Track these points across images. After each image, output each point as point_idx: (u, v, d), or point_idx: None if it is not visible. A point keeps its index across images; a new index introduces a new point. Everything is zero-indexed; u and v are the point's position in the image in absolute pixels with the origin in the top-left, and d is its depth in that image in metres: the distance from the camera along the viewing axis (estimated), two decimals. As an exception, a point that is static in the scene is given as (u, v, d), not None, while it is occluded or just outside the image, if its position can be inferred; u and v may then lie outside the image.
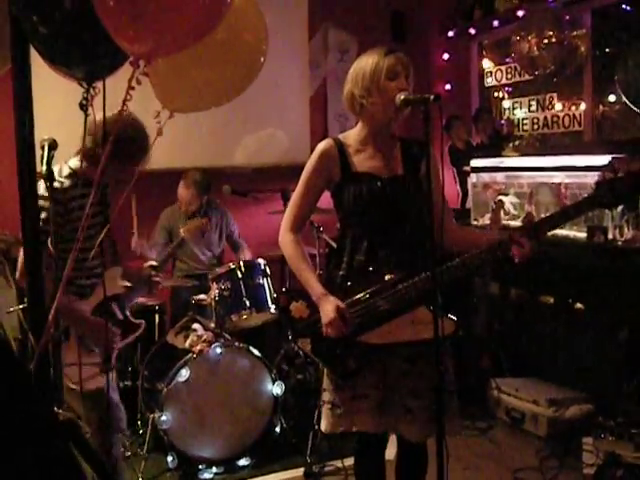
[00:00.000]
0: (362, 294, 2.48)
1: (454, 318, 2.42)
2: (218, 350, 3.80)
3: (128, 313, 3.08)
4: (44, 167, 2.15)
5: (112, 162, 2.57)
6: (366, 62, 2.47)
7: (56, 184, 2.65)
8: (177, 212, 4.78)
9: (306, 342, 2.60)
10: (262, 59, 2.39)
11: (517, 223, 4.87)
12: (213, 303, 4.08)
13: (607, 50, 4.69)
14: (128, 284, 3.13)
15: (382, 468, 2.75)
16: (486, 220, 4.97)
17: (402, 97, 2.36)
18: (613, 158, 4.17)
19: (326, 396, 2.62)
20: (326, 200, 5.20)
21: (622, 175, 2.33)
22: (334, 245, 4.63)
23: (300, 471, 3.79)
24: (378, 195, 2.49)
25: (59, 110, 3.93)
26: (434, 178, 2.36)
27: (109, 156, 2.46)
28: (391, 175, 2.52)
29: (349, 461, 3.85)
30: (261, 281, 4.21)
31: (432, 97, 2.17)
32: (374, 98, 2.45)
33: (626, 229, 4.08)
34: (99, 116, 2.13)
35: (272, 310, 4.22)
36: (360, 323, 2.46)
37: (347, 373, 2.53)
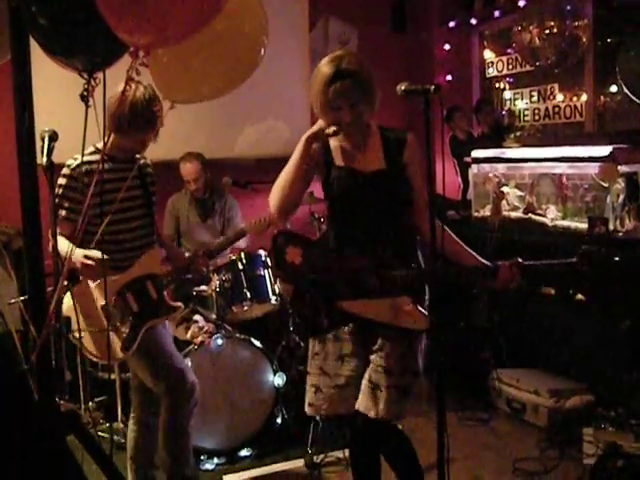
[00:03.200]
0: (357, 264, 2.51)
1: (426, 314, 2.48)
2: (219, 341, 3.81)
3: (165, 294, 3.13)
4: (44, 158, 2.15)
5: (130, 132, 2.81)
6: (314, 81, 2.52)
7: (78, 162, 2.84)
8: (183, 197, 4.77)
9: (287, 288, 2.67)
10: (262, 50, 2.38)
11: (518, 214, 4.87)
12: (214, 294, 4.09)
13: (608, 41, 4.67)
14: (168, 267, 3.26)
15: (376, 459, 2.77)
16: (487, 211, 4.97)
17: (402, 87, 2.36)
18: (614, 149, 4.17)
19: (310, 379, 2.72)
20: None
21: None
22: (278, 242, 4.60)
23: (301, 462, 3.80)
24: (359, 191, 2.54)
25: (59, 101, 3.94)
26: (414, 172, 2.53)
27: (128, 126, 2.57)
28: (373, 170, 2.54)
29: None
30: (262, 272, 4.22)
31: (432, 88, 2.17)
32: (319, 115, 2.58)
33: (627, 220, 4.08)
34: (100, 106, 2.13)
35: (273, 301, 4.23)
36: (344, 288, 2.51)
37: (317, 330, 2.61)
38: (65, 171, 2.88)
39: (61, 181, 2.87)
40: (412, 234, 2.58)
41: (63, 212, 2.87)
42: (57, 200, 2.82)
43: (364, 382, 2.56)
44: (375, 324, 2.52)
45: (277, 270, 2.72)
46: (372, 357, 2.56)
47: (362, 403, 2.55)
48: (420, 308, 2.47)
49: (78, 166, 2.86)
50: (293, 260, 2.62)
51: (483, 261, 2.52)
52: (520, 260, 2.47)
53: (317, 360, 2.68)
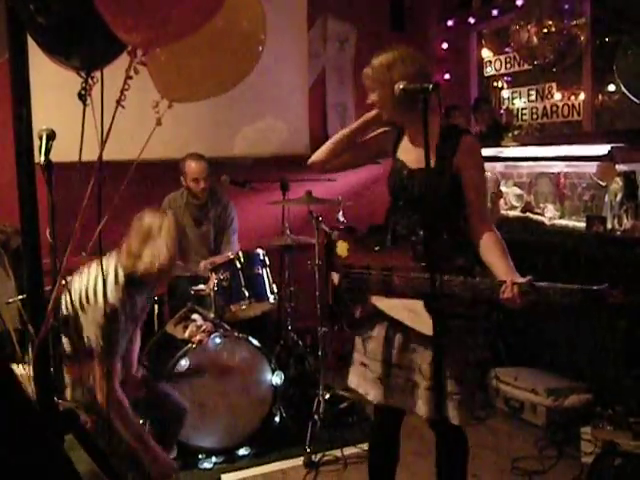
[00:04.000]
0: (390, 262, 2.60)
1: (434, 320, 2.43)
2: (217, 340, 3.81)
3: None
4: (42, 157, 2.15)
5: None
6: None
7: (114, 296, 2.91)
8: (179, 199, 4.71)
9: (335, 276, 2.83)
10: (260, 48, 2.38)
11: (516, 213, 4.88)
12: (212, 293, 4.08)
13: (606, 40, 4.67)
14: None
15: (394, 446, 2.91)
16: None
17: (401, 86, 2.36)
18: (612, 148, 4.17)
19: (355, 356, 2.80)
20: (324, 190, 5.20)
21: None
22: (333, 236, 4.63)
23: (300, 460, 3.81)
24: (404, 184, 2.61)
25: (57, 100, 3.93)
26: (467, 174, 2.51)
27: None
28: (419, 167, 2.56)
29: (348, 450, 3.88)
30: (260, 271, 4.22)
31: (431, 86, 2.17)
32: None
33: (625, 219, 4.08)
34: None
35: (271, 300, 4.23)
36: (375, 284, 2.62)
37: (351, 321, 2.76)
38: None
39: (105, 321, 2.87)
40: (456, 235, 2.55)
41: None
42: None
43: (402, 380, 2.62)
44: (401, 324, 2.55)
45: (327, 262, 2.86)
46: (405, 355, 2.59)
47: (405, 401, 2.64)
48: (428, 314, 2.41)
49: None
50: (341, 254, 2.79)
51: (514, 275, 2.36)
52: (531, 281, 2.28)
53: (358, 355, 2.77)
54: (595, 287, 2.16)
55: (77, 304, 2.91)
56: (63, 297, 2.94)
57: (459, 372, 2.51)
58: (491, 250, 2.47)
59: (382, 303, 2.61)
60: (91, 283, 2.93)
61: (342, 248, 2.81)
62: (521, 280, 2.28)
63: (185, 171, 4.57)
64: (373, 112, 2.72)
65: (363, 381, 2.73)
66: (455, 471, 2.70)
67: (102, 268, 2.71)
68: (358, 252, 2.74)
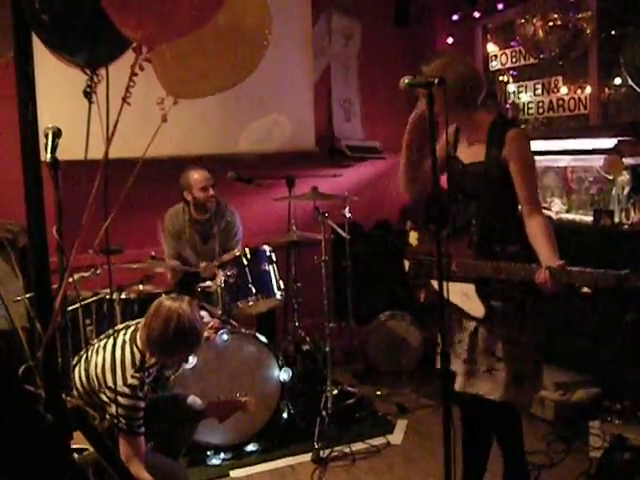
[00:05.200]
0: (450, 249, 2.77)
1: (484, 304, 2.69)
2: (225, 337, 3.82)
3: None
4: (49, 155, 2.15)
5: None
6: None
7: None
8: (181, 216, 4.66)
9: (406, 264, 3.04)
10: (266, 44, 2.37)
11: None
12: (219, 290, 4.09)
13: (613, 33, 4.65)
14: None
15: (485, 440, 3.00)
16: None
17: (406, 81, 2.35)
18: (619, 141, 4.15)
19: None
20: (330, 186, 5.20)
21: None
22: (340, 231, 4.64)
23: (308, 456, 3.81)
24: (457, 178, 2.78)
25: (62, 98, 3.94)
26: (514, 168, 2.66)
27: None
28: (471, 161, 2.77)
29: (356, 446, 3.88)
30: (267, 268, 4.22)
31: (436, 80, 2.17)
32: None
33: (632, 212, 4.07)
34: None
35: (278, 296, 4.23)
36: (434, 271, 2.81)
37: (418, 303, 2.97)
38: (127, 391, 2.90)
39: (126, 402, 2.88)
40: (510, 222, 2.74)
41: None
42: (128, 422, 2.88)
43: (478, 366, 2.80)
44: (456, 306, 2.74)
45: (401, 250, 3.08)
46: (473, 339, 2.78)
47: (478, 385, 2.79)
48: (477, 297, 2.68)
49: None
50: (411, 243, 3.00)
51: (552, 260, 2.54)
52: (563, 265, 2.48)
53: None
54: (623, 271, 2.39)
55: (94, 382, 2.94)
56: (77, 371, 3.00)
57: (505, 350, 2.70)
58: (536, 236, 2.64)
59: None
60: (107, 364, 2.94)
61: (413, 237, 3.02)
62: (555, 264, 2.46)
63: (189, 183, 4.50)
64: (417, 111, 2.78)
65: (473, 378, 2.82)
66: (509, 447, 2.96)
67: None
68: (424, 241, 2.96)
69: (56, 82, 3.52)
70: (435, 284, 2.78)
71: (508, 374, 2.69)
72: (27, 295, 3.17)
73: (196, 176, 4.49)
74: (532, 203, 2.70)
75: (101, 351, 3.01)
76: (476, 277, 2.67)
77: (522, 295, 2.68)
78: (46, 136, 2.20)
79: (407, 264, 3.02)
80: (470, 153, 2.79)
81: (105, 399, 2.90)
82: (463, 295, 2.72)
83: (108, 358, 2.95)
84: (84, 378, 2.98)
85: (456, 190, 2.80)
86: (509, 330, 2.71)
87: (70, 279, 2.36)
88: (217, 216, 4.64)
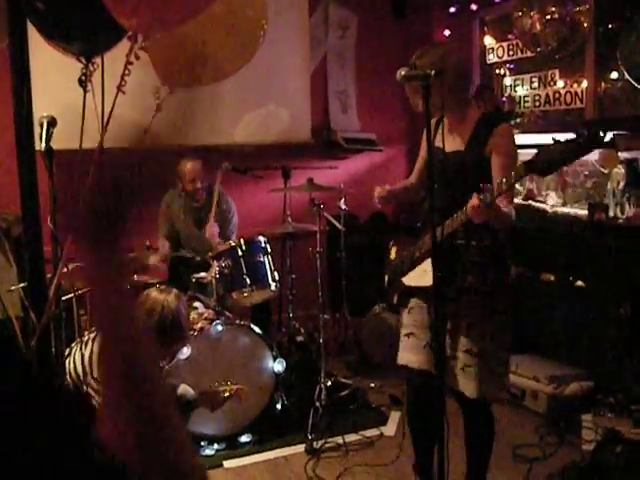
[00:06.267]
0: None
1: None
2: (219, 328, 3.82)
3: None
4: (43, 144, 2.14)
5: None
6: None
7: None
8: (177, 199, 4.73)
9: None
10: (262, 34, 2.37)
11: (518, 201, 4.86)
12: (214, 281, 4.08)
13: (610, 26, 4.64)
14: None
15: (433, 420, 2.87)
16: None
17: (402, 73, 2.35)
18: (615, 135, 4.15)
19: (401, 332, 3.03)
20: (326, 178, 5.19)
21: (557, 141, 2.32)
22: (335, 223, 4.64)
23: (301, 447, 3.82)
24: (439, 167, 2.74)
25: (58, 87, 3.92)
26: (495, 160, 2.69)
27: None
28: (452, 150, 2.79)
29: (350, 437, 3.89)
30: (262, 259, 4.22)
31: (433, 72, 2.17)
32: None
33: (627, 206, 4.07)
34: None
35: (272, 288, 4.23)
36: (403, 266, 2.94)
37: (391, 305, 3.15)
38: None
39: None
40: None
41: None
42: None
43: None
44: (421, 289, 2.79)
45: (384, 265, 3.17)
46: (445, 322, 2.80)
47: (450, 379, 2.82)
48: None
49: None
50: (392, 257, 3.10)
51: None
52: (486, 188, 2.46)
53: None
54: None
55: (82, 373, 2.91)
56: (68, 362, 2.97)
57: (477, 346, 2.74)
58: None
59: (409, 279, 2.92)
60: (94, 356, 2.89)
61: (393, 252, 3.12)
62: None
63: (182, 172, 4.60)
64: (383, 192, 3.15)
65: (409, 352, 2.93)
66: (477, 449, 2.96)
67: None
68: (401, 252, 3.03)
69: (51, 71, 3.50)
70: (404, 280, 2.93)
71: (465, 365, 2.77)
72: (21, 285, 3.17)
73: (188, 167, 4.58)
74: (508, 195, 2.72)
75: (90, 343, 3.00)
76: (428, 248, 2.64)
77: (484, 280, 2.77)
78: (41, 125, 2.19)
79: (386, 278, 3.11)
80: (452, 142, 2.82)
81: (91, 391, 2.89)
82: (423, 272, 2.76)
83: (96, 349, 2.94)
84: (73, 370, 2.97)
85: (437, 179, 2.76)
86: (474, 319, 2.78)
87: (65, 269, 2.36)
88: (210, 201, 4.67)
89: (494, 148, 2.70)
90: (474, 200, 2.42)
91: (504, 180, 2.38)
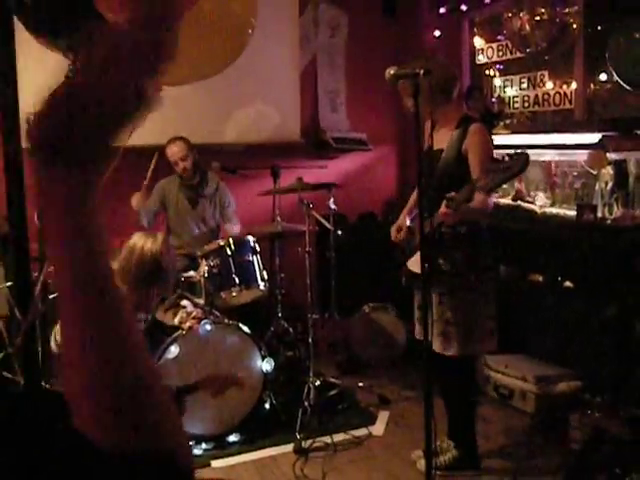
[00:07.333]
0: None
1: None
2: (207, 327, 3.80)
3: None
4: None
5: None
6: None
7: None
8: (172, 183, 4.78)
9: None
10: (250, 32, 2.35)
11: (507, 201, 4.88)
12: (202, 280, 4.07)
13: (599, 28, 4.65)
14: None
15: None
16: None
17: (392, 72, 2.35)
18: (603, 136, 4.17)
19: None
20: (316, 177, 5.19)
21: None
22: (324, 222, 4.63)
23: (290, 447, 3.81)
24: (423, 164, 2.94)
25: (45, 83, 3.89)
26: (471, 158, 3.00)
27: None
28: (438, 149, 3.07)
29: (338, 437, 3.89)
30: (250, 258, 4.21)
31: (422, 72, 2.17)
32: None
33: (615, 207, 4.09)
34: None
35: (261, 287, 4.22)
36: (405, 250, 3.34)
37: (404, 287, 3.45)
38: None
39: None
40: None
41: None
42: None
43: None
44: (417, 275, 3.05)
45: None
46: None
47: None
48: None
49: None
50: (397, 238, 3.47)
51: None
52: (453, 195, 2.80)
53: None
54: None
55: None
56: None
57: (455, 312, 3.24)
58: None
59: (411, 264, 3.27)
60: None
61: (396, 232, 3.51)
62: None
63: (169, 155, 4.64)
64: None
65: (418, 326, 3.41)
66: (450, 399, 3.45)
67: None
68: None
69: (38, 67, 3.48)
70: (408, 265, 3.29)
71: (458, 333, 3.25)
72: (7, 284, 3.15)
73: (172, 148, 4.64)
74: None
75: None
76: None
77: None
78: (27, 122, 2.17)
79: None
80: (438, 141, 3.05)
81: None
82: (415, 260, 3.11)
83: None
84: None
85: (431, 178, 3.07)
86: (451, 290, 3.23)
87: (51, 267, 2.34)
88: (206, 179, 4.78)
89: (468, 147, 2.98)
90: (442, 208, 2.79)
91: (453, 198, 2.77)
